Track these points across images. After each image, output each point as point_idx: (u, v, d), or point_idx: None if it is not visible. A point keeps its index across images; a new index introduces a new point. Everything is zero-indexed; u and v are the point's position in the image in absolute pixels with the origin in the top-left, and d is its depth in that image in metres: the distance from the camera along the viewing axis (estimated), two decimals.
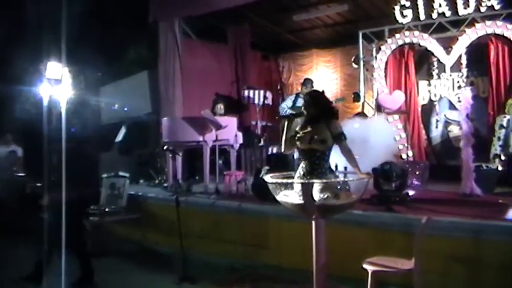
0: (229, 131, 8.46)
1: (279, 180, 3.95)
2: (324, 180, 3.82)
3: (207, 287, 5.48)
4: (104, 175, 8.10)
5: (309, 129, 4.03)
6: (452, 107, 9.62)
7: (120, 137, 11.47)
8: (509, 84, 9.04)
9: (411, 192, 6.81)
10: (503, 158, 8.34)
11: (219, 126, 7.91)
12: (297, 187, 3.86)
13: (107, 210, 7.47)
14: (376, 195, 6.26)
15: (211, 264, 6.22)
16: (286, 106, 8.46)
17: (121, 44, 12.56)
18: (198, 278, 5.58)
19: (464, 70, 9.56)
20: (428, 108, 9.93)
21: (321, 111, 4.11)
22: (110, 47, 11.77)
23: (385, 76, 10.30)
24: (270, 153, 9.39)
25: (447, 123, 9.69)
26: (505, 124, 8.42)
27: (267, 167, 6.80)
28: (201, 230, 6.67)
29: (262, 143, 9.82)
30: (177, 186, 7.83)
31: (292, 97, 8.67)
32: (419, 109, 10.01)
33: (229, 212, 6.66)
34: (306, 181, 3.78)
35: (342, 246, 4.96)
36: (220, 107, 9.30)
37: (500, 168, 8.05)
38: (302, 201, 3.72)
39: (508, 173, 7.93)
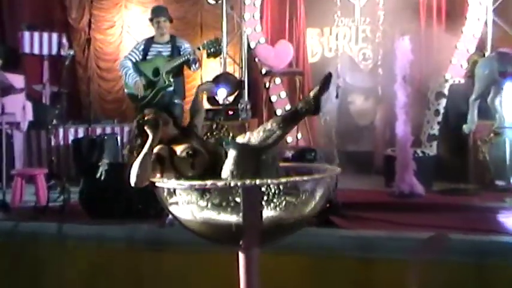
0: (16, 99, 8.11)
1: (195, 183, 3.28)
2: (284, 180, 3.24)
3: None
4: None
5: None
6: (355, 67, 9.82)
7: None
8: None
9: None
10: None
11: (9, 88, 7.08)
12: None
13: None
14: None
15: None
16: (130, 60, 7.38)
17: None
18: None
19: (382, 13, 9.55)
20: (321, 69, 9.80)
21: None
22: None
23: (261, 18, 10.26)
24: (74, 138, 9.59)
25: (348, 91, 9.77)
26: (445, 92, 8.74)
27: (106, 161, 6.47)
28: None
29: (55, 121, 9.29)
30: None
31: (141, 45, 7.61)
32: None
33: (39, 244, 5.80)
34: (252, 182, 3.15)
35: None
36: None
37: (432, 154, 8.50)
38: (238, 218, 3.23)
39: (445, 162, 8.33)
